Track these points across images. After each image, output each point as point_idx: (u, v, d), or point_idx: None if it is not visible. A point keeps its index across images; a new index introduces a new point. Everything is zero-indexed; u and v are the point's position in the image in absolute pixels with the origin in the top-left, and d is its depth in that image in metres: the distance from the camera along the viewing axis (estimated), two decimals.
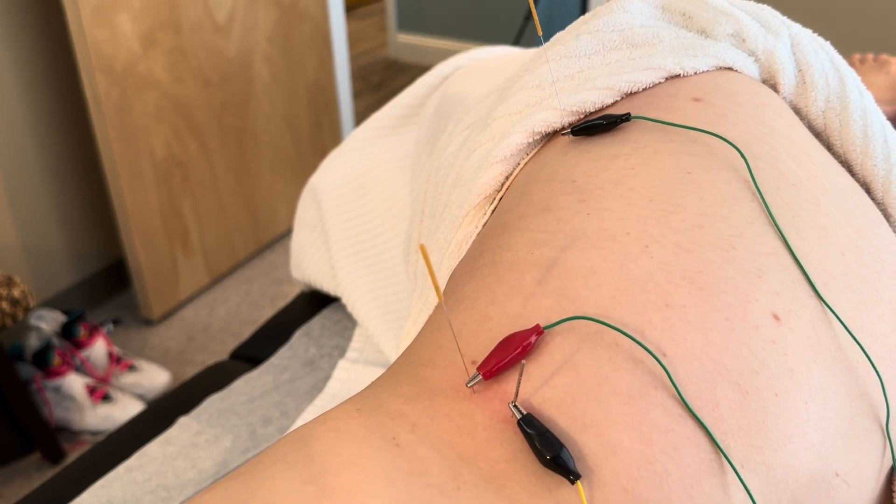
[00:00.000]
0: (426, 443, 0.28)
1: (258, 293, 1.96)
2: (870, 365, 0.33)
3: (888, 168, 0.40)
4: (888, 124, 0.42)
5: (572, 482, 0.27)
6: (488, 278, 0.33)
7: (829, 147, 0.41)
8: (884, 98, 0.96)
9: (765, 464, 0.29)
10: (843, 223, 0.35)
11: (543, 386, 0.29)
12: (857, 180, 0.40)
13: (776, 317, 0.31)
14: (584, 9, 2.63)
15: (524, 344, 0.29)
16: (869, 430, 0.33)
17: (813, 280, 0.32)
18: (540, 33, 0.37)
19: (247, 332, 1.78)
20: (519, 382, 0.28)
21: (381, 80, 3.39)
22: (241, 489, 0.26)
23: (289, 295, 1.93)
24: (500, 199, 0.40)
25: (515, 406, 0.28)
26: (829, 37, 0.48)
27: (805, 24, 0.46)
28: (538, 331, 0.30)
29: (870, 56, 1.05)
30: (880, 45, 2.01)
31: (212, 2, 1.79)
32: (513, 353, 0.29)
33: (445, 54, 3.25)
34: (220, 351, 1.75)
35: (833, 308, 0.32)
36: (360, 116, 2.76)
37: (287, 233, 2.19)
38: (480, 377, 0.29)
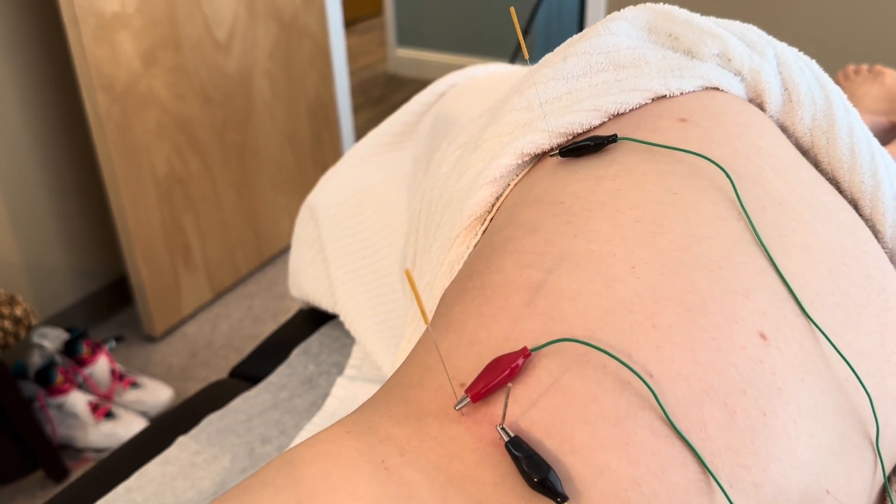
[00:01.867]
0: (415, 466, 0.28)
1: (260, 308, 1.97)
2: (858, 382, 0.33)
3: (875, 184, 0.40)
4: (875, 141, 0.42)
5: None
6: (477, 300, 0.34)
7: (816, 164, 0.42)
8: (878, 109, 0.96)
9: (754, 483, 0.29)
10: (830, 241, 0.35)
11: (531, 408, 0.29)
12: (845, 197, 0.41)
13: (763, 336, 0.31)
14: (581, 23, 2.64)
15: (512, 366, 0.29)
16: (859, 447, 0.33)
17: (800, 299, 0.33)
18: (527, 56, 0.38)
19: (249, 348, 1.78)
20: (506, 405, 0.28)
21: (381, 95, 3.41)
22: None
23: (291, 309, 1.94)
24: (491, 220, 0.41)
25: (503, 429, 0.28)
26: (823, 48, 0.48)
27: (799, 35, 0.46)
28: (525, 353, 0.30)
29: (864, 67, 1.05)
30: (874, 55, 2.02)
31: (212, 19, 1.80)
32: (500, 375, 0.29)
33: (444, 68, 3.27)
34: (223, 367, 1.75)
35: (821, 326, 0.32)
36: (361, 131, 2.77)
37: (289, 248, 2.20)
38: (468, 400, 0.29)
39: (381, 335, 0.78)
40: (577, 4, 2.78)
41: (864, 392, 0.33)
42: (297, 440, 0.73)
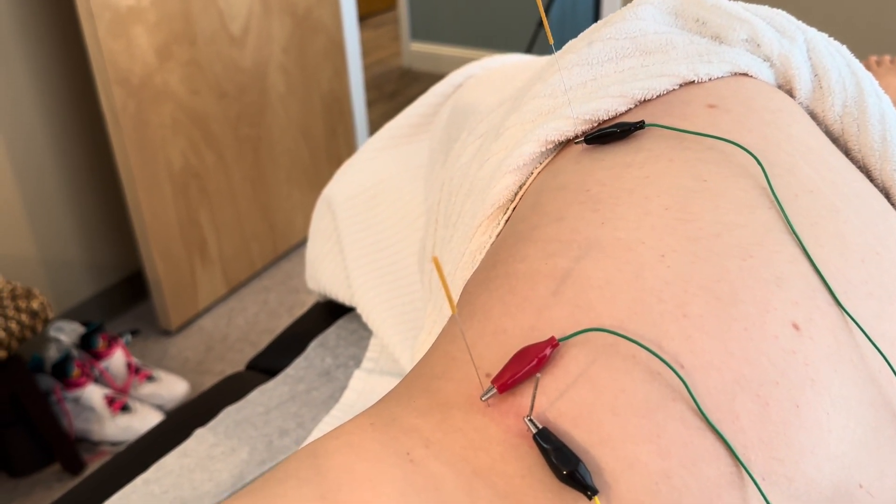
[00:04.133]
0: (440, 458, 0.28)
1: (276, 302, 1.97)
2: (892, 373, 0.32)
3: None
4: None
5: (589, 498, 0.26)
6: (502, 290, 0.33)
7: (846, 152, 0.41)
8: None
9: (786, 476, 0.29)
10: (862, 230, 0.35)
11: (559, 399, 0.29)
12: (876, 185, 0.40)
13: (796, 326, 0.30)
14: (596, 16, 2.62)
15: (539, 356, 0.29)
16: (893, 440, 0.32)
17: (833, 288, 0.32)
18: (551, 41, 0.37)
19: (265, 342, 1.78)
20: (534, 396, 0.28)
21: (395, 89, 3.40)
22: None
23: (306, 303, 1.94)
24: (514, 208, 0.40)
25: (531, 420, 0.28)
26: (845, 40, 0.47)
27: (820, 27, 0.45)
28: (553, 343, 0.29)
29: (886, 58, 1.04)
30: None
31: (226, 14, 1.80)
32: (528, 365, 0.29)
33: (459, 62, 3.26)
34: (239, 360, 1.76)
35: (854, 316, 0.32)
36: (375, 125, 2.77)
37: (303, 242, 2.20)
38: (495, 390, 0.29)
39: (398, 328, 0.78)
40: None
41: None
42: (315, 433, 0.73)
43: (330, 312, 0.95)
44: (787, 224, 0.33)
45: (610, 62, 0.41)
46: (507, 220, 0.40)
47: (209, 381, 1.71)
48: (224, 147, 1.87)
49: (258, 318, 1.91)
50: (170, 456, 0.72)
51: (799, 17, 0.45)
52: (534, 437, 0.27)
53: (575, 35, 0.45)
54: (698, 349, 0.29)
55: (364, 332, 0.88)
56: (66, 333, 1.61)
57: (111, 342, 1.64)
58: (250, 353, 1.77)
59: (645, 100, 0.39)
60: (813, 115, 0.41)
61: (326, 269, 0.87)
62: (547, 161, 0.40)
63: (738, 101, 0.38)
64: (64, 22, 1.64)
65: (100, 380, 1.62)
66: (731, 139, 0.35)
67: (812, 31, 0.43)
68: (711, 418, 0.28)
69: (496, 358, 0.30)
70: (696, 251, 0.31)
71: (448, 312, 0.44)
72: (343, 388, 0.80)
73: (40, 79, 1.62)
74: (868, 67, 1.05)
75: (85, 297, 1.82)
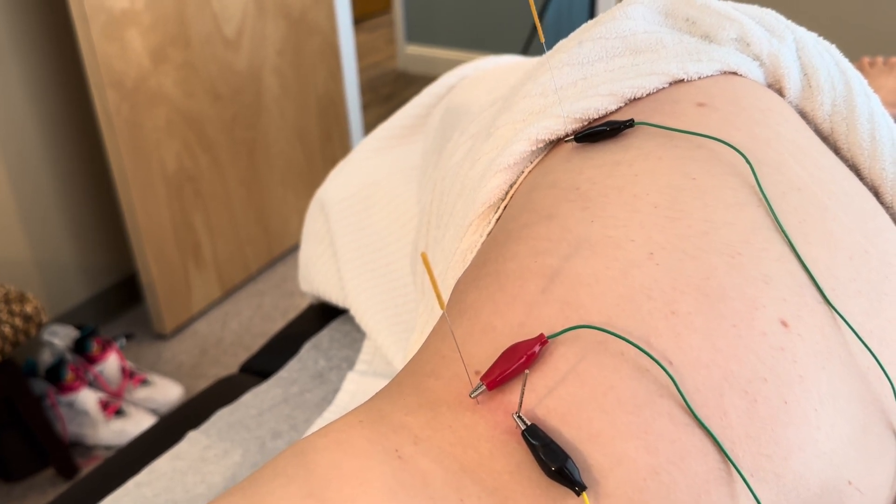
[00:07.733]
0: (429, 455, 0.28)
1: (270, 306, 1.97)
2: (881, 371, 0.32)
3: None
4: None
5: (578, 494, 0.26)
6: (491, 287, 0.33)
7: (836, 151, 0.41)
8: (893, 101, 0.95)
9: (775, 472, 0.29)
10: (850, 228, 0.35)
11: (548, 396, 0.29)
12: (865, 184, 0.40)
13: (784, 323, 0.30)
14: (592, 17, 2.63)
15: (528, 353, 0.29)
16: (882, 437, 0.32)
17: (821, 286, 0.32)
18: (542, 40, 0.37)
19: (259, 345, 1.78)
20: (522, 393, 0.28)
21: (390, 92, 3.40)
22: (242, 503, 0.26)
23: (301, 307, 1.94)
24: (505, 207, 0.40)
25: (519, 417, 0.28)
26: (838, 40, 0.47)
27: (814, 27, 0.45)
28: (542, 340, 0.29)
29: (879, 59, 1.04)
30: (890, 48, 2.00)
31: (221, 16, 1.80)
32: (517, 362, 0.29)
33: (454, 65, 3.25)
34: (233, 364, 1.75)
35: (842, 313, 0.32)
36: (370, 128, 2.77)
37: (298, 245, 2.19)
38: (484, 387, 0.29)
39: (391, 329, 0.78)
40: (587, 1, 2.78)
41: (886, 381, 0.32)
42: (308, 435, 0.72)
43: (323, 314, 0.94)
44: (776, 221, 0.33)
45: (600, 61, 0.41)
46: (497, 219, 0.40)
47: (203, 385, 1.70)
48: (219, 150, 1.87)
49: (253, 321, 1.91)
50: (162, 459, 0.71)
51: (788, 17, 0.45)
52: (522, 433, 0.27)
53: None
54: (686, 346, 0.29)
55: (357, 335, 0.88)
56: (60, 337, 1.61)
57: (105, 346, 1.63)
58: (245, 356, 1.77)
59: (635, 98, 0.39)
60: (802, 114, 0.42)
61: (320, 271, 0.87)
62: (538, 160, 0.40)
63: (728, 100, 0.38)
64: (58, 25, 1.64)
65: (94, 384, 1.61)
66: (720, 137, 0.35)
67: (801, 31, 0.43)
68: (699, 415, 0.28)
69: (485, 355, 0.30)
70: (685, 249, 0.31)
71: (439, 312, 0.44)
72: (336, 390, 0.80)
73: (34, 82, 1.62)
74: (861, 68, 1.05)
75: (79, 300, 1.82)
